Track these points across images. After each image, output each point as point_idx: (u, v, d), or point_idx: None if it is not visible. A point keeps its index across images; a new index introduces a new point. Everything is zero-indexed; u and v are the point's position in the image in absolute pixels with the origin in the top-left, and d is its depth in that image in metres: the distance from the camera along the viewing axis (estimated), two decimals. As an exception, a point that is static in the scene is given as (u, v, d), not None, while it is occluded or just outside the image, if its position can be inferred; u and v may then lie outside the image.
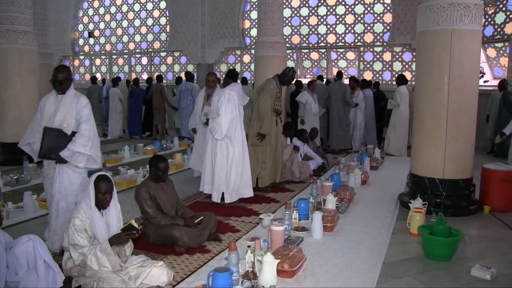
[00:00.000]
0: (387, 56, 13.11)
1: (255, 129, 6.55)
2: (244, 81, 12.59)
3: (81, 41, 18.24)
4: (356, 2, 13.30)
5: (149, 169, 4.42)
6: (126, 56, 17.32)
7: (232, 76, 5.98)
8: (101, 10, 17.67)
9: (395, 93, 9.78)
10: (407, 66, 12.87)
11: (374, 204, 5.88)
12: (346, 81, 10.93)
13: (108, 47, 17.71)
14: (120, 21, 17.32)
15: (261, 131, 6.44)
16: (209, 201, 5.89)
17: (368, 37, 13.28)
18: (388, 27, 12.93)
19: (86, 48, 18.20)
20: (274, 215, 5.07)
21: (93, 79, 13.68)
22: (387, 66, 13.12)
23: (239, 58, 15.23)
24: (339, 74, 10.60)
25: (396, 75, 10.90)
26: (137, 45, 17.04)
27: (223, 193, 5.75)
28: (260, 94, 6.58)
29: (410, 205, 4.95)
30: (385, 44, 13.03)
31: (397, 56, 12.96)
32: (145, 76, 16.72)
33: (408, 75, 12.76)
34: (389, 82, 13.04)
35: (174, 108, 12.36)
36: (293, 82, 8.47)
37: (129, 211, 5.47)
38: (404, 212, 5.42)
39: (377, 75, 13.22)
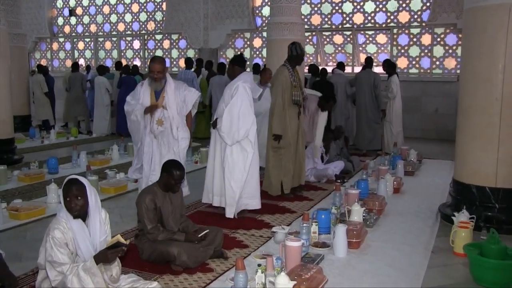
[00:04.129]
0: (426, 39, 13.03)
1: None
2: (256, 69, 12.53)
3: (60, 20, 18.38)
4: (389, -25, 13.28)
5: (160, 174, 4.43)
6: (114, 39, 17.41)
7: (240, 62, 5.95)
8: (85, -16, 17.82)
9: (389, 84, 10.08)
10: (450, 51, 12.79)
11: (409, 217, 5.85)
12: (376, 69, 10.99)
13: (93, 28, 17.81)
14: (108, -3, 17.45)
15: (273, 131, 6.46)
16: (211, 211, 5.93)
17: (403, 17, 13.21)
18: (427, 4, 12.85)
19: (67, 29, 18.32)
20: (289, 228, 5.04)
21: (75, 65, 13.75)
22: (426, 51, 13.05)
23: (248, 42, 15.24)
24: (369, 61, 10.52)
25: (384, 62, 10.61)
26: (128, 26, 17.12)
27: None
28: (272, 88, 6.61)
29: (454, 219, 4.90)
30: (424, 24, 12.95)
31: (438, 39, 12.88)
32: (137, 63, 16.81)
33: (452, 62, 12.71)
34: (428, 71, 12.95)
35: None
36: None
37: (117, 223, 5.50)
38: (446, 227, 5.37)
39: (414, 62, 13.14)
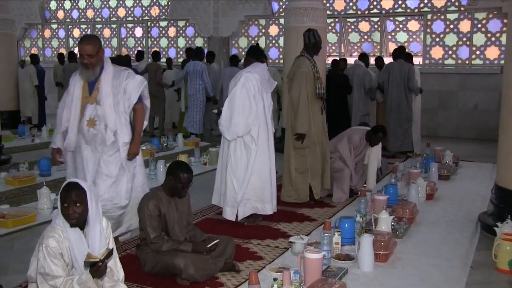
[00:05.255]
0: (464, 26, 12.96)
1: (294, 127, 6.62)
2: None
3: (53, 5, 18.50)
4: (422, -48, 13.23)
5: (166, 176, 4.45)
6: (114, 26, 17.51)
7: (255, 53, 6.02)
8: (81, -36, 17.92)
9: (411, 74, 10.01)
10: (493, 38, 12.71)
11: (445, 227, 5.82)
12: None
13: (90, 13, 17.93)
14: (107, -21, 17.54)
15: (297, 129, 6.48)
16: (221, 218, 5.92)
17: (439, 0, 13.14)
18: (467, -15, 12.78)
19: (60, 14, 18.45)
20: (308, 238, 5.04)
21: (71, 55, 13.80)
22: (464, 39, 12.98)
23: (263, 30, 15.25)
24: (401, 51, 10.44)
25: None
26: (129, 12, 17.21)
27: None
28: (291, 81, 6.62)
29: (497, 230, 4.86)
30: (462, 9, 12.89)
31: (479, 26, 12.81)
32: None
33: (495, 51, 12.61)
34: (467, 62, 12.86)
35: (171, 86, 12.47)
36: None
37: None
38: (487, 239, 5.33)
39: (450, 52, 13.05)
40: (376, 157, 7.24)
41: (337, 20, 14.18)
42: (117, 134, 4.72)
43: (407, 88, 10.02)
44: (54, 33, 18.70)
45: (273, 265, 4.56)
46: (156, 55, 12.88)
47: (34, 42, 19.09)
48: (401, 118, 10.09)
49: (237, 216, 5.77)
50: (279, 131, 10.12)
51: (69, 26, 18.33)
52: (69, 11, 18.27)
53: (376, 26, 13.90)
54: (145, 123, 5.04)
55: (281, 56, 14.40)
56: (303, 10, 9.98)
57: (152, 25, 16.90)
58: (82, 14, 18.04)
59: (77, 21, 18.15)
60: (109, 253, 3.26)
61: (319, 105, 6.62)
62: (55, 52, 18.54)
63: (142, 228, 4.35)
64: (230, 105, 5.67)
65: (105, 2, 17.58)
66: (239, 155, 5.71)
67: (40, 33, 18.89)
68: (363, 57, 11.64)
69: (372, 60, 12.10)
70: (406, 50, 11.01)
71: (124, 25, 17.38)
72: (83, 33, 17.97)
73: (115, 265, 3.49)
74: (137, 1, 17.01)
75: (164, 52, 16.33)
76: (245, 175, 5.69)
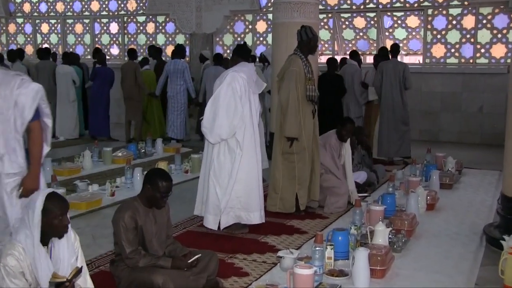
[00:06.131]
0: (468, 22, 13.02)
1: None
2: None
3: (19, -3, 18.38)
4: None
5: (142, 185, 4.43)
6: (87, 21, 17.45)
7: (242, 52, 6.08)
8: (50, -47, 17.85)
9: (408, 73, 10.13)
10: (499, 35, 12.77)
11: (447, 240, 5.85)
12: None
13: (60, 6, 17.83)
14: (78, -30, 17.49)
15: (285, 133, 6.50)
16: (204, 231, 5.95)
17: (441, -6, 13.24)
18: (470, -22, 12.87)
19: (27, 7, 18.30)
20: (298, 252, 5.05)
21: (44, 51, 13.66)
22: (468, 36, 13.04)
23: (250, 26, 15.27)
24: (395, 49, 10.53)
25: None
26: (103, 5, 17.16)
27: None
28: (281, 81, 6.65)
29: (504, 243, 4.87)
30: (466, 3, 12.96)
31: (484, 21, 12.87)
32: (115, 51, 16.83)
33: (501, 49, 12.69)
34: (471, 60, 12.93)
35: (152, 95, 12.40)
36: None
37: (89, 245, 5.49)
38: (493, 253, 5.36)
39: (453, 50, 13.14)
40: (349, 153, 7.38)
41: (330, 15, 14.22)
42: (3, 160, 3.93)
43: (403, 88, 10.09)
44: (20, 28, 18.55)
45: (260, 282, 4.57)
46: (132, 53, 12.85)
47: (-3, 38, 18.96)
48: (396, 120, 10.11)
49: (219, 226, 5.80)
50: (267, 136, 10.14)
51: (37, 21, 18.20)
52: (37, 4, 18.10)
53: (372, 22, 13.93)
54: (47, 148, 4.18)
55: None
56: (293, 4, 10.00)
57: (129, 20, 16.85)
58: (51, 7, 17.90)
59: (46, 15, 18.01)
60: (77, 272, 3.24)
61: (311, 108, 6.64)
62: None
63: (116, 242, 4.32)
64: (214, 105, 5.72)
65: (77, -5, 17.53)
66: (222, 160, 5.76)
67: (4, 28, 18.71)
68: (354, 55, 11.69)
69: (369, 59, 12.15)
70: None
71: (98, 20, 17.30)
72: (53, 28, 17.91)
73: (85, 283, 3.47)
74: (113, -6, 16.99)
75: (142, 50, 16.29)
76: (229, 182, 5.73)
